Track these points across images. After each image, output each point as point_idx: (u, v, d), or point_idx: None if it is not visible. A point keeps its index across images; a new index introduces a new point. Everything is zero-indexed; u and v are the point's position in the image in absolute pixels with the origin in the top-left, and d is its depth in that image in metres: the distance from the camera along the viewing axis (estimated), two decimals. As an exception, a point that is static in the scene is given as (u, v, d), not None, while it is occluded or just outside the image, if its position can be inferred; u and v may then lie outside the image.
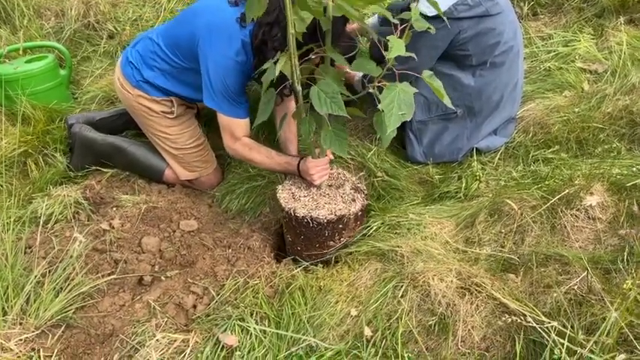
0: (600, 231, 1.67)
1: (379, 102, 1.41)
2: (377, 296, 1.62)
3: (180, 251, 1.93)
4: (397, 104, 1.40)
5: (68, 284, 1.67)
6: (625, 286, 1.27)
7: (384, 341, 1.50)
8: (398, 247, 1.75)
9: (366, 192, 1.93)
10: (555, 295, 1.47)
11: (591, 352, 1.24)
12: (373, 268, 1.75)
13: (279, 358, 1.52)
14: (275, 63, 1.51)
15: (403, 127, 2.24)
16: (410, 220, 1.90)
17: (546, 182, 1.89)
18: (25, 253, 1.81)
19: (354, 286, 1.71)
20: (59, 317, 1.60)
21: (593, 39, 2.66)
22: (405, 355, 1.46)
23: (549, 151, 2.18)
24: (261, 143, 2.01)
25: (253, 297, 1.70)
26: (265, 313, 1.65)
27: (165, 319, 1.65)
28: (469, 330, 1.48)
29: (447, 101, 1.50)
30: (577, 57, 2.59)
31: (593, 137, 2.16)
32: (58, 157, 2.38)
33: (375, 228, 1.91)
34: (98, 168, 2.33)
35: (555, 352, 1.30)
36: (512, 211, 1.77)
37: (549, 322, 1.35)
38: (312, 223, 1.79)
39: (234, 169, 2.37)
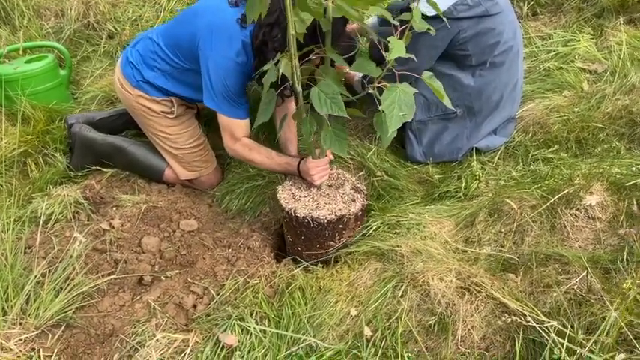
0: (600, 231, 1.67)
1: (379, 102, 1.41)
2: (377, 296, 1.62)
3: (180, 251, 1.93)
4: (398, 105, 1.40)
5: (68, 284, 1.67)
6: (624, 285, 1.27)
7: (383, 341, 1.50)
8: (398, 246, 1.75)
9: (366, 192, 1.93)
10: (555, 294, 1.47)
11: (591, 351, 1.24)
12: (373, 268, 1.75)
13: (279, 357, 1.52)
14: (275, 64, 1.51)
15: (403, 127, 2.23)
16: (410, 219, 1.90)
17: (546, 182, 1.89)
18: (25, 253, 1.81)
19: (354, 285, 1.71)
20: (59, 317, 1.60)
21: (592, 39, 2.67)
22: (405, 355, 1.46)
23: (549, 150, 2.18)
24: (261, 144, 2.01)
25: (253, 297, 1.70)
26: (265, 312, 1.65)
27: (165, 319, 1.65)
28: (469, 329, 1.48)
29: (447, 102, 1.50)
30: (576, 57, 2.59)
31: (592, 137, 2.17)
32: (58, 157, 2.38)
33: (374, 228, 1.91)
34: (98, 168, 2.33)
35: (555, 352, 1.30)
36: (511, 210, 1.78)
37: (549, 322, 1.36)
38: (313, 224, 1.79)
39: (234, 169, 2.37)
